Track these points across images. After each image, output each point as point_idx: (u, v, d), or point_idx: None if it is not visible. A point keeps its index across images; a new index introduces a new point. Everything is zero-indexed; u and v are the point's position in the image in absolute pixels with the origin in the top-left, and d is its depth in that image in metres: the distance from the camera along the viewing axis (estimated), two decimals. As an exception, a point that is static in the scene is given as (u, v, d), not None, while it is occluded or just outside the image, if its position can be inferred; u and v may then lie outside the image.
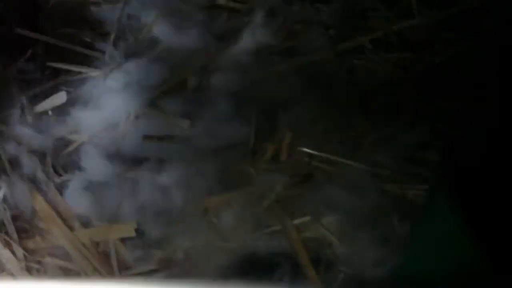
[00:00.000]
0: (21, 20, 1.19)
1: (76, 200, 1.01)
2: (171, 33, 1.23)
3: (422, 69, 1.14)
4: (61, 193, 1.02)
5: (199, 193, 1.02)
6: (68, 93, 1.12)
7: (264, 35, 1.21)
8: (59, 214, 1.00)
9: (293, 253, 0.97)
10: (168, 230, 0.98)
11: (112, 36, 1.21)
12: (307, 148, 1.07)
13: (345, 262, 0.97)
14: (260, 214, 0.99)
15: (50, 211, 1.00)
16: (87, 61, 1.19)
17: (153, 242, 0.97)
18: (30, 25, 1.20)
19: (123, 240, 0.97)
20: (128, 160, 1.07)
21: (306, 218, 0.99)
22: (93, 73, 1.17)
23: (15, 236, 0.98)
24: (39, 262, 0.96)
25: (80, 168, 1.05)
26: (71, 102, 1.12)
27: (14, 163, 1.05)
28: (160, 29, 1.23)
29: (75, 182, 1.03)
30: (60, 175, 1.05)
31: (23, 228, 0.99)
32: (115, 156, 1.07)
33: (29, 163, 1.05)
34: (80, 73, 1.17)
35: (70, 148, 1.08)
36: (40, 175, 1.04)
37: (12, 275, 0.94)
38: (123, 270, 0.94)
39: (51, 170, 1.05)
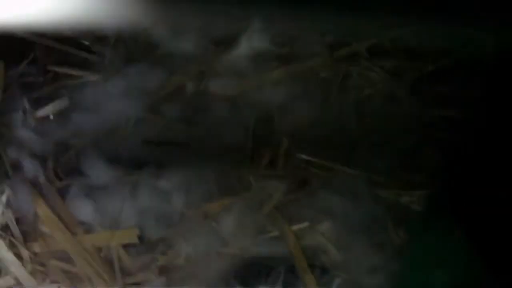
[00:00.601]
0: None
1: (77, 205, 1.03)
2: (169, 37, 1.24)
3: (417, 76, 1.16)
4: (62, 198, 1.04)
5: (199, 198, 1.04)
6: (69, 97, 1.13)
7: (261, 41, 1.22)
8: (61, 218, 1.01)
9: (291, 258, 1.00)
10: (169, 235, 1.00)
11: (112, 41, 1.22)
12: (304, 154, 1.09)
13: (341, 267, 1.00)
14: (259, 220, 1.01)
15: (52, 215, 1.01)
16: (87, 66, 1.20)
17: (155, 248, 0.99)
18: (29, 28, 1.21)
19: (125, 246, 0.98)
20: (128, 164, 1.09)
21: (304, 225, 1.02)
22: (93, 77, 1.18)
23: (20, 239, 0.99)
24: (43, 265, 0.98)
25: (80, 173, 1.07)
26: (72, 106, 1.14)
27: (16, 167, 1.06)
28: (159, 34, 1.24)
29: (76, 187, 1.05)
30: (61, 179, 1.07)
31: (26, 231, 1.01)
32: (115, 160, 1.09)
33: (30, 167, 1.06)
34: (80, 77, 1.18)
35: (71, 153, 1.09)
36: (42, 179, 1.05)
37: (15, 279, 0.96)
38: (125, 276, 0.96)
39: (52, 174, 1.07)
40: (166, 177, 1.06)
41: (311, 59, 1.20)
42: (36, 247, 0.99)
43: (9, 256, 0.97)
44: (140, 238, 0.99)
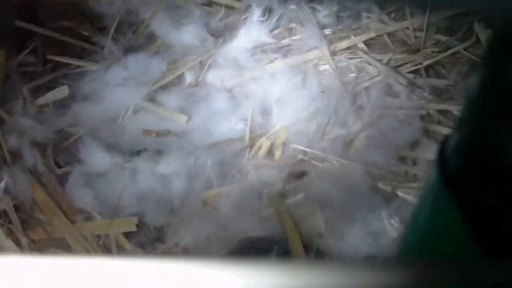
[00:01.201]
0: (20, 13, 1.21)
1: (76, 192, 1.04)
2: (169, 29, 1.25)
3: (413, 69, 1.17)
4: (62, 186, 1.05)
5: (198, 185, 1.05)
6: (69, 86, 1.14)
7: (260, 33, 1.23)
8: (59, 206, 1.02)
9: (286, 241, 1.00)
10: (168, 221, 1.01)
11: (112, 31, 1.22)
12: (300, 145, 1.10)
13: (335, 254, 1.00)
14: (257, 207, 1.02)
15: (50, 203, 1.02)
16: (86, 55, 1.21)
17: (154, 235, 1.00)
18: (29, 18, 1.22)
19: (124, 234, 0.99)
20: (127, 153, 1.10)
21: (302, 210, 1.03)
22: (92, 67, 1.19)
23: (18, 225, 0.99)
24: (41, 251, 0.98)
25: (80, 161, 1.08)
26: (71, 95, 1.14)
27: (15, 154, 1.07)
28: (158, 25, 1.25)
29: (75, 175, 1.06)
30: (60, 167, 1.07)
31: (24, 219, 1.01)
32: (115, 149, 1.09)
33: (29, 155, 1.06)
34: (79, 66, 1.18)
35: (70, 141, 1.10)
36: (41, 167, 1.06)
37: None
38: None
39: (51, 162, 1.07)
40: (164, 165, 1.07)
41: (309, 52, 1.21)
42: (35, 235, 1.00)
43: (8, 243, 0.98)
44: (141, 227, 1.00)
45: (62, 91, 1.12)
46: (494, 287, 0.40)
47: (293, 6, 1.27)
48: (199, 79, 1.19)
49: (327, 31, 1.24)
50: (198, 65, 1.20)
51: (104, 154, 1.08)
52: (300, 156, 1.09)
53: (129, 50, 1.22)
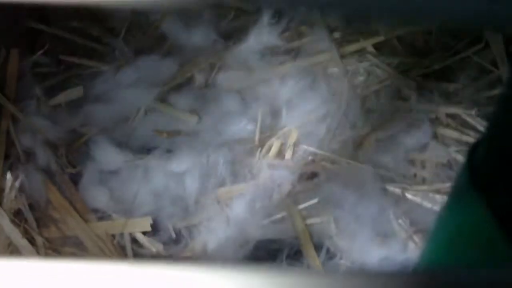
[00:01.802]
0: (32, 13, 1.22)
1: (90, 192, 1.05)
2: (179, 30, 1.26)
3: (423, 73, 1.18)
4: (75, 185, 1.06)
5: (211, 184, 1.06)
6: (81, 86, 1.15)
7: (270, 35, 1.24)
8: (73, 205, 1.03)
9: (297, 242, 1.02)
10: (184, 221, 1.02)
11: (122, 32, 1.23)
12: (311, 146, 1.11)
13: (346, 255, 1.02)
14: (269, 207, 1.04)
15: (64, 202, 1.03)
16: (97, 56, 1.22)
17: (170, 235, 1.01)
18: (41, 18, 1.22)
19: (139, 233, 1.00)
20: (139, 151, 1.11)
21: (313, 210, 1.04)
22: (104, 67, 1.19)
23: (33, 224, 1.00)
24: (57, 251, 0.99)
25: (92, 160, 1.09)
26: (83, 96, 1.15)
27: (29, 153, 1.08)
28: (168, 26, 1.26)
29: (88, 174, 1.07)
30: (73, 166, 1.08)
31: (38, 218, 1.02)
32: (126, 148, 1.11)
33: (43, 154, 1.07)
34: (91, 67, 1.19)
35: (82, 141, 1.11)
36: (54, 166, 1.07)
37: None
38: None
39: (65, 161, 1.08)
40: (176, 163, 1.08)
41: (319, 55, 1.22)
42: (49, 234, 1.01)
43: (23, 242, 0.98)
44: (156, 227, 1.01)
45: (76, 92, 1.13)
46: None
47: (302, 9, 1.28)
48: (209, 81, 1.20)
49: (336, 35, 1.25)
50: (208, 66, 1.21)
51: (116, 153, 1.09)
52: (310, 158, 1.10)
53: (140, 51, 1.22)
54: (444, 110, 1.13)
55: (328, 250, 1.03)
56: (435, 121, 1.13)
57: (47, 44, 1.16)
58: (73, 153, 1.10)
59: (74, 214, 1.02)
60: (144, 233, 1.00)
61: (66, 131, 1.11)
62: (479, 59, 1.17)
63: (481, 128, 1.11)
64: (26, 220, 1.01)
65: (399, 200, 1.07)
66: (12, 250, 0.97)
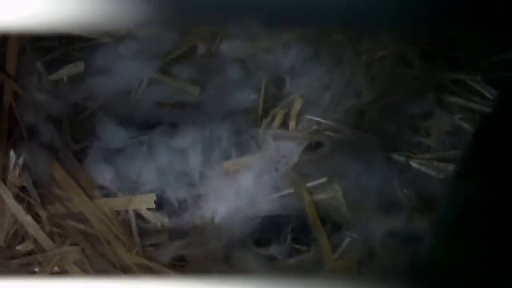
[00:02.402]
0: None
1: (95, 168, 1.05)
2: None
3: (428, 40, 1.17)
4: (80, 161, 1.06)
5: (216, 157, 1.06)
6: (83, 60, 1.14)
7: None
8: (78, 182, 1.03)
9: (303, 215, 1.02)
10: (188, 195, 1.02)
11: (123, 2, 1.22)
12: (315, 116, 1.10)
13: (351, 227, 1.02)
14: (275, 179, 1.03)
15: (68, 179, 1.03)
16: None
17: (172, 210, 1.01)
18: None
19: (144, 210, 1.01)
20: (142, 126, 1.10)
21: (321, 181, 1.04)
22: (105, 39, 1.18)
23: (38, 200, 1.01)
24: (61, 227, 1.00)
25: (96, 135, 1.09)
26: (85, 69, 1.14)
27: (32, 130, 1.07)
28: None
29: (93, 150, 1.07)
30: (77, 142, 1.08)
31: (43, 194, 1.02)
32: (129, 122, 1.10)
33: (46, 130, 1.07)
34: (92, 39, 1.18)
35: (85, 115, 1.11)
36: (58, 142, 1.07)
37: (35, 242, 0.98)
38: (144, 238, 0.98)
39: (68, 137, 1.08)
40: (180, 138, 1.08)
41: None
42: (54, 210, 1.01)
43: (27, 218, 0.99)
44: (160, 203, 1.01)
45: (77, 67, 1.12)
46: None
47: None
48: (212, 50, 1.19)
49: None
50: (211, 36, 1.20)
51: (119, 128, 1.08)
52: (314, 127, 1.10)
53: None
54: (449, 76, 1.12)
55: (334, 222, 1.03)
56: (440, 88, 1.12)
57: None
58: (76, 128, 1.10)
59: (79, 191, 1.02)
60: (149, 209, 1.00)
61: (69, 106, 1.11)
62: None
63: (487, 94, 1.10)
64: (30, 197, 1.01)
65: (404, 168, 1.06)
66: (17, 228, 0.98)
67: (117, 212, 1.00)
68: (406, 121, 1.10)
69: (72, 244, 0.98)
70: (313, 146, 1.09)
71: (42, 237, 0.98)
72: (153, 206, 1.00)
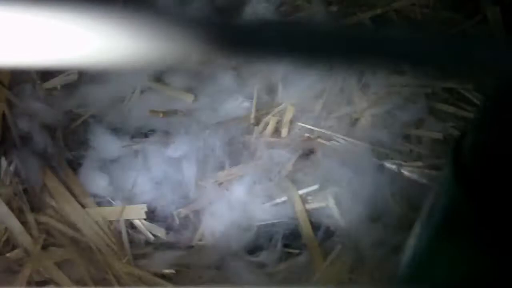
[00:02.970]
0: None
1: (88, 177, 1.05)
2: (173, 5, 1.24)
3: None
4: (72, 170, 1.06)
5: (210, 167, 1.07)
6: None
7: (266, 9, 1.23)
8: (70, 190, 1.03)
9: (295, 222, 1.02)
10: (182, 206, 1.03)
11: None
12: (307, 123, 1.11)
13: (342, 234, 1.02)
14: (268, 187, 1.04)
15: (61, 187, 1.03)
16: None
17: (165, 221, 1.02)
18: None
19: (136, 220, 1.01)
20: (135, 135, 1.11)
21: (311, 189, 1.04)
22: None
23: (29, 209, 1.00)
24: (52, 235, 1.00)
25: (89, 143, 1.09)
26: (79, 77, 1.15)
27: (25, 137, 1.08)
28: (162, 2, 1.25)
29: (85, 159, 1.07)
30: (71, 150, 1.09)
31: (34, 202, 1.03)
32: (122, 131, 1.11)
33: (39, 138, 1.07)
34: (86, 47, 1.18)
35: (78, 123, 1.11)
36: (51, 150, 1.07)
37: (25, 251, 0.97)
38: (134, 248, 0.98)
39: (62, 145, 1.08)
40: (173, 148, 1.08)
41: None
42: (45, 218, 1.01)
43: (18, 228, 0.99)
44: (151, 214, 1.02)
45: (71, 75, 1.13)
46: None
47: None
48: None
49: (333, 8, 1.23)
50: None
51: (113, 137, 1.09)
52: (306, 134, 1.10)
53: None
54: (440, 84, 1.12)
55: (326, 229, 1.03)
56: (431, 96, 1.12)
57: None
58: (70, 136, 1.10)
59: (71, 199, 1.02)
60: (144, 219, 1.01)
61: (62, 114, 1.11)
62: (476, 32, 1.15)
63: (478, 102, 1.10)
64: (21, 205, 1.01)
65: (395, 176, 1.06)
66: (8, 236, 0.98)
67: (110, 222, 1.01)
68: (398, 129, 1.10)
69: (63, 253, 0.98)
70: (305, 154, 1.09)
71: (33, 245, 0.98)
72: (144, 217, 1.00)
